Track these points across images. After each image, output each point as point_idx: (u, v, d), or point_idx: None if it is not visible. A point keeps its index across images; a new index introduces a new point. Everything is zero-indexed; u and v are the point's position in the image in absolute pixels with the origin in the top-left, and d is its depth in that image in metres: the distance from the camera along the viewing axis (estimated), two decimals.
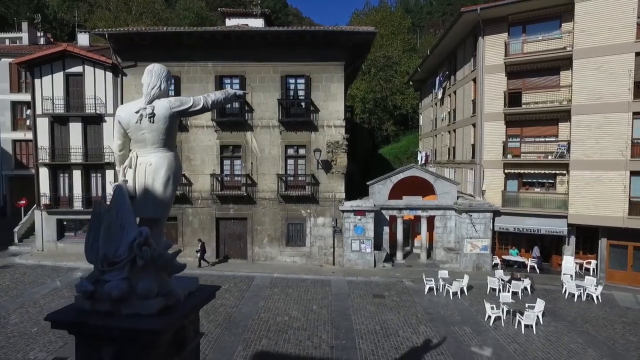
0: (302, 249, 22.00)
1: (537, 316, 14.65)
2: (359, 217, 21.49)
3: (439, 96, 29.87)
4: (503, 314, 15.14)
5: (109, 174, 22.07)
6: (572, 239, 20.46)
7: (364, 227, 21.53)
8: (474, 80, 23.18)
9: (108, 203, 4.13)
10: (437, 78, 29.78)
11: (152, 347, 3.79)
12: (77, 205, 22.03)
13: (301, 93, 21.65)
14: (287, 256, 22.00)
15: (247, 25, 25.33)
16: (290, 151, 21.95)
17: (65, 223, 22.90)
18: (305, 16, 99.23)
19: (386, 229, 22.72)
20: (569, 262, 20.02)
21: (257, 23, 26.20)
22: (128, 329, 3.66)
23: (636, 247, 19.13)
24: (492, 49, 21.66)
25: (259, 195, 21.82)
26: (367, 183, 22.79)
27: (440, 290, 18.13)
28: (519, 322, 14.54)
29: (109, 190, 22.04)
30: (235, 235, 22.28)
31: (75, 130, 21.95)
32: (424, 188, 22.88)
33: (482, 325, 14.82)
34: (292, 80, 21.65)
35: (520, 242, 22.26)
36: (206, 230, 21.98)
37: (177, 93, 21.64)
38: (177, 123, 4.57)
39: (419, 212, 22.59)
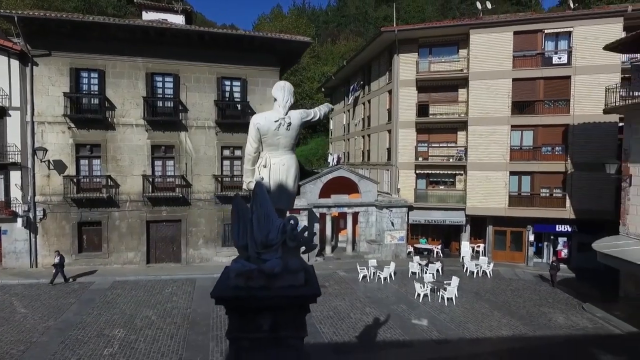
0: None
1: (455, 291, 17.89)
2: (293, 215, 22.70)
3: (356, 103, 32.79)
4: (429, 292, 18.06)
5: (15, 175, 19.36)
6: (468, 228, 24.90)
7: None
8: (389, 91, 26.40)
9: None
10: (351, 87, 32.65)
11: (301, 310, 4.72)
12: None
13: (237, 95, 22.03)
14: (223, 256, 22.11)
15: (167, 20, 24.56)
16: (227, 152, 22.15)
17: None
18: (197, 11, 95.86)
19: (317, 226, 24.42)
20: (465, 247, 24.35)
21: (177, 19, 25.52)
22: (294, 296, 4.55)
23: (512, 231, 24.25)
24: (405, 66, 25.05)
25: (194, 197, 21.54)
26: (299, 183, 24.17)
27: (372, 277, 20.51)
28: (442, 297, 17.57)
29: (15, 193, 19.43)
30: (167, 238, 21.56)
31: None
32: (347, 187, 25.22)
33: (414, 302, 17.48)
34: (227, 82, 21.89)
35: (428, 232, 26.13)
36: (135, 235, 20.84)
37: (102, 89, 20.17)
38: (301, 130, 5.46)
39: (345, 209, 24.86)
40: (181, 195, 21.04)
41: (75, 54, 19.60)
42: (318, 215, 24.26)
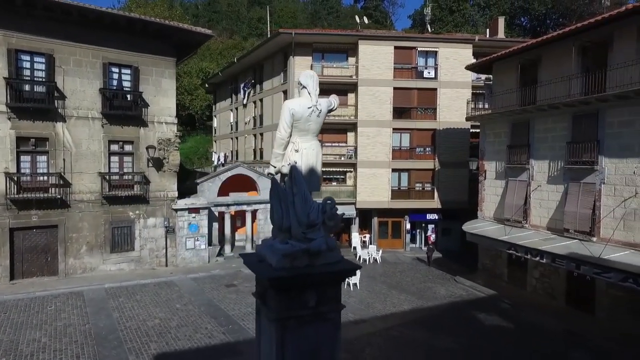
0: (130, 254, 20.19)
1: (358, 276, 19.66)
2: (193, 214, 21.63)
3: (244, 102, 32.52)
4: None
5: None
6: (357, 220, 27.35)
7: (198, 225, 21.83)
8: (285, 92, 27.16)
9: None
10: (242, 85, 32.35)
11: (338, 283, 5.10)
12: None
13: (127, 84, 19.88)
14: (112, 264, 19.70)
15: None
16: (115, 147, 19.77)
17: None
18: None
19: (216, 225, 23.66)
20: (355, 237, 26.72)
21: None
22: (345, 270, 4.90)
23: (393, 221, 27.57)
24: (301, 68, 26.11)
25: (75, 198, 18.65)
26: (197, 181, 23.11)
27: None
28: (348, 283, 19.12)
29: None
30: (39, 247, 18.16)
31: None
32: (245, 184, 25.11)
33: None
34: (116, 70, 19.56)
35: None
36: None
37: None
38: None
39: (245, 207, 24.69)
40: (58, 197, 17.98)
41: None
42: (217, 214, 23.54)
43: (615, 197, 14.76)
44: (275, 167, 5.30)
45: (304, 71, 5.63)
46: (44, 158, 18.04)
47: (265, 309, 4.99)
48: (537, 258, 15.88)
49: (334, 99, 6.04)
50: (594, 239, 15.31)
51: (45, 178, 17.92)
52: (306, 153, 5.28)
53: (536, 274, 18.52)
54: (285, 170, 5.16)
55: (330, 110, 5.79)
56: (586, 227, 15.60)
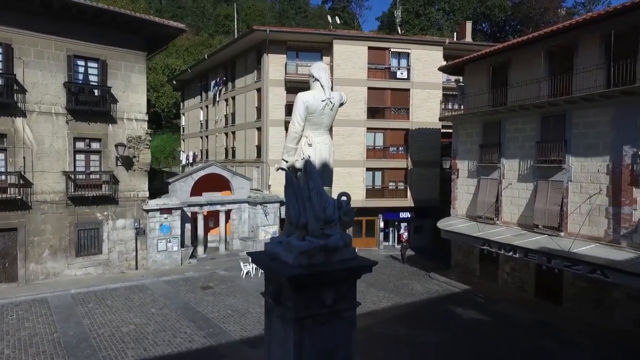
0: (97, 257, 19.15)
1: None
2: (165, 215, 20.84)
3: (217, 99, 31.72)
4: None
5: None
6: None
7: (170, 226, 21.05)
8: (258, 90, 26.75)
9: None
10: (213, 82, 31.54)
11: (355, 280, 5.01)
12: None
13: (94, 79, 18.84)
14: (77, 268, 18.60)
15: None
16: (81, 145, 18.68)
17: None
18: None
19: (188, 226, 22.92)
20: None
21: None
22: (355, 268, 4.79)
23: (367, 220, 27.82)
24: (275, 66, 25.85)
25: (37, 198, 17.44)
26: (168, 181, 22.31)
27: (255, 273, 20.57)
28: None
29: None
30: None
31: None
32: (218, 184, 24.50)
33: None
34: (82, 63, 18.49)
35: None
36: None
37: None
38: None
39: (218, 207, 24.09)
40: (18, 197, 16.73)
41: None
42: (189, 214, 22.81)
43: (581, 194, 15.59)
44: (287, 162, 5.12)
45: (316, 63, 5.44)
46: (1, 156, 16.74)
47: (280, 309, 4.81)
48: (510, 253, 16.50)
49: (342, 94, 5.94)
50: (562, 233, 16.09)
51: (3, 177, 16.63)
52: (319, 147, 5.14)
53: (507, 269, 19.24)
54: (299, 165, 5.01)
55: (341, 104, 5.69)
56: (555, 222, 16.38)
